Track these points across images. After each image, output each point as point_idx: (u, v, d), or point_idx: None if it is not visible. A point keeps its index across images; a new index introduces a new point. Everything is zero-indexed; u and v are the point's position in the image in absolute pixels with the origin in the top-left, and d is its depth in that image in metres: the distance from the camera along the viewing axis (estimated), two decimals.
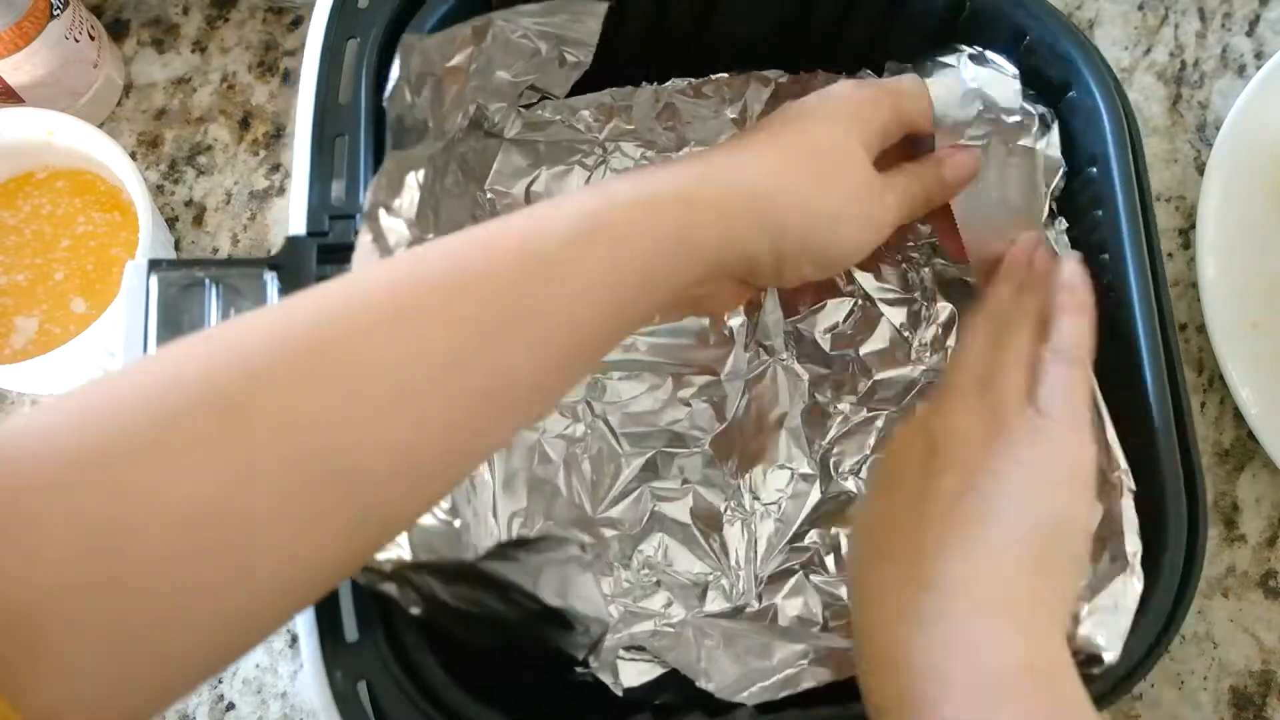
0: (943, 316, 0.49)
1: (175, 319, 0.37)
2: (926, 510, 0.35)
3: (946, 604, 0.33)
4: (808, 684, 0.40)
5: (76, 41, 0.51)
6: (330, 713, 0.35)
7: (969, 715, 0.31)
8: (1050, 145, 0.47)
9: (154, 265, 0.38)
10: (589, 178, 0.50)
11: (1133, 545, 0.41)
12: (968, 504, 0.35)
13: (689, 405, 0.48)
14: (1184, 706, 0.50)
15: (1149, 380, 0.42)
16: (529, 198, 0.49)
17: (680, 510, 0.46)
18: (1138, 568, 0.40)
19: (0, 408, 0.51)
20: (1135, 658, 0.39)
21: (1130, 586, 0.40)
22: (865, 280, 0.50)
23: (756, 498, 0.47)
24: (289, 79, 0.55)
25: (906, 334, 0.50)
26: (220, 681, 0.47)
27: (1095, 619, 0.40)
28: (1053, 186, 0.47)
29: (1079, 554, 0.36)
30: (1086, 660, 0.39)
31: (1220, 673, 0.51)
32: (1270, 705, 0.50)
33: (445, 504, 0.38)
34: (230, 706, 0.47)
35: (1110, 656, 0.38)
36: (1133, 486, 0.42)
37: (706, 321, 0.49)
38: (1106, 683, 0.39)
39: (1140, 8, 0.60)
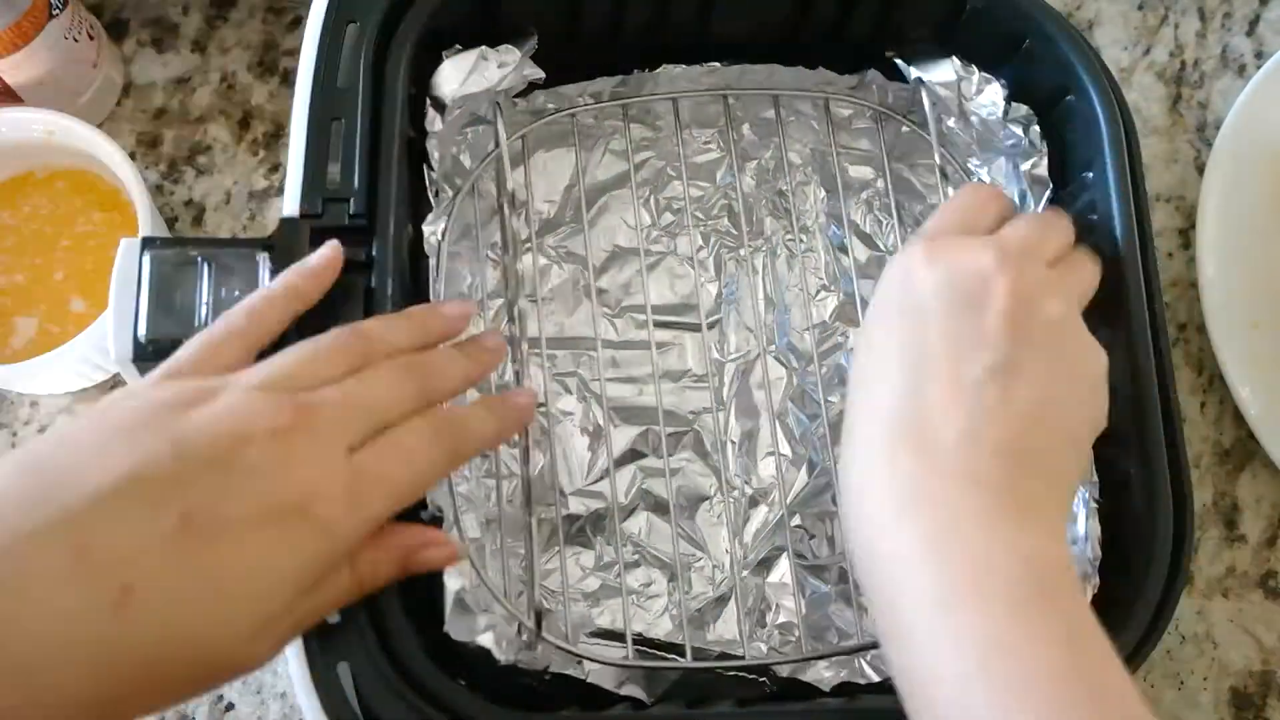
0: None
1: (168, 298, 0.37)
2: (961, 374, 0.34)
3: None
4: None
5: (75, 41, 0.50)
6: (310, 697, 0.34)
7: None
8: (1038, 166, 0.47)
9: (147, 243, 0.37)
10: (587, 160, 0.50)
11: (1092, 553, 0.42)
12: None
13: (682, 385, 0.48)
14: (1184, 707, 0.50)
15: (1140, 387, 0.42)
16: (527, 181, 0.50)
17: (668, 490, 0.46)
18: (1093, 575, 0.41)
19: (0, 408, 0.51)
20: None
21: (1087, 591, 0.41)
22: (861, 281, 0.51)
23: (746, 481, 0.47)
24: (289, 79, 0.55)
25: None
26: None
27: None
28: (1041, 206, 0.47)
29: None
30: None
31: (1220, 673, 0.50)
32: (1270, 705, 0.50)
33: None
34: (230, 707, 0.47)
35: None
36: (1098, 499, 0.43)
37: (699, 300, 0.49)
38: None
39: (1140, 7, 0.60)
